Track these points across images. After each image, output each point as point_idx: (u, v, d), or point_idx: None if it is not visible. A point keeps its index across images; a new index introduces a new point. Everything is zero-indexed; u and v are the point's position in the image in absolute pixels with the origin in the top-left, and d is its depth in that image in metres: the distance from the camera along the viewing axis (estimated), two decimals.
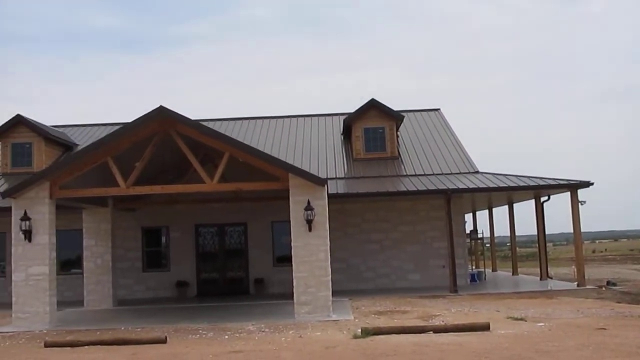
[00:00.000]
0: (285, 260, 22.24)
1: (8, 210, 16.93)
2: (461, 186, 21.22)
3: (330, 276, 16.28)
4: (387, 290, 22.18)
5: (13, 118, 24.77)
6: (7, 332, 15.31)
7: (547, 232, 24.82)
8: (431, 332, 12.93)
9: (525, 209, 27.46)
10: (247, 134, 27.57)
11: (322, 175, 22.78)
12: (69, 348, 12.77)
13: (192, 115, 20.66)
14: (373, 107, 25.13)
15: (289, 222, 16.32)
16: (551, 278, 24.54)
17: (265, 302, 20.19)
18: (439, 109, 29.89)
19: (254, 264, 23.73)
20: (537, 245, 25.85)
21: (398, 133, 26.12)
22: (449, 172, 23.78)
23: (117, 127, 24.27)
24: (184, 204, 22.59)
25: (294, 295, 16.13)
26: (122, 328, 15.31)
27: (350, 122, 25.30)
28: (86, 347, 12.81)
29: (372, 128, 25.12)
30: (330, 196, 17.59)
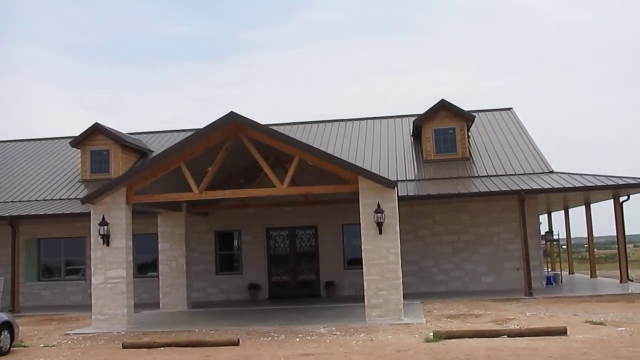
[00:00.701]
0: (355, 262, 22.23)
1: (87, 215, 17.50)
2: (535, 186, 20.69)
3: (401, 279, 16.16)
4: (460, 293, 21.85)
5: (91, 126, 25.63)
6: (87, 333, 15.84)
7: (627, 232, 23.93)
8: (505, 336, 12.65)
9: (603, 209, 26.50)
10: (317, 137, 27.69)
11: (392, 177, 22.66)
12: (146, 349, 13.11)
13: (263, 120, 21.01)
14: (443, 107, 24.82)
15: (359, 224, 16.28)
16: (632, 281, 23.65)
17: (336, 304, 20.20)
18: (511, 108, 29.27)
19: (324, 267, 23.79)
20: (616, 246, 24.94)
21: (469, 133, 25.71)
22: (522, 172, 23.23)
23: (189, 133, 24.84)
24: (255, 208, 22.87)
25: (365, 298, 16.07)
26: (197, 330, 15.60)
27: (420, 123, 25.06)
28: (162, 348, 13.12)
29: (442, 129, 24.81)
30: (400, 198, 17.48)
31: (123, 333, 15.74)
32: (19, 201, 24.42)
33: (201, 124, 19.82)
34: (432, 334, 12.91)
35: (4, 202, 24.50)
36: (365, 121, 29.32)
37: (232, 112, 16.22)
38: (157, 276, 21.69)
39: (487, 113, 28.89)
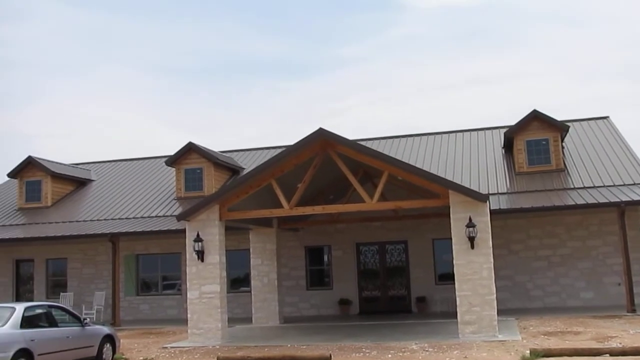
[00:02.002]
0: (447, 278, 21.91)
1: (182, 232, 18.03)
2: (636, 198, 19.77)
3: (495, 295, 15.78)
4: (557, 310, 21.11)
5: (185, 146, 26.45)
6: (183, 347, 16.28)
7: None
8: (607, 355, 12.12)
9: None
10: (405, 151, 27.54)
11: (483, 190, 22.22)
12: None
13: (351, 135, 21.09)
14: (535, 118, 24.18)
15: (450, 239, 16.04)
16: None
17: (428, 320, 19.94)
18: (607, 117, 28.18)
19: (415, 282, 23.55)
20: None
21: (563, 144, 24.92)
22: (622, 183, 22.25)
23: (278, 150, 25.28)
24: (345, 223, 22.94)
25: (458, 314, 15.79)
26: (289, 345, 15.75)
27: (511, 134, 24.50)
28: None
29: (534, 140, 24.15)
30: (492, 212, 17.11)
31: (217, 347, 16.08)
32: (119, 219, 25.45)
33: (289, 141, 20.13)
34: (528, 351, 12.53)
35: (104, 219, 25.59)
36: (454, 134, 28.94)
37: (320, 129, 16.38)
38: (249, 291, 22.06)
39: (581, 122, 27.93)
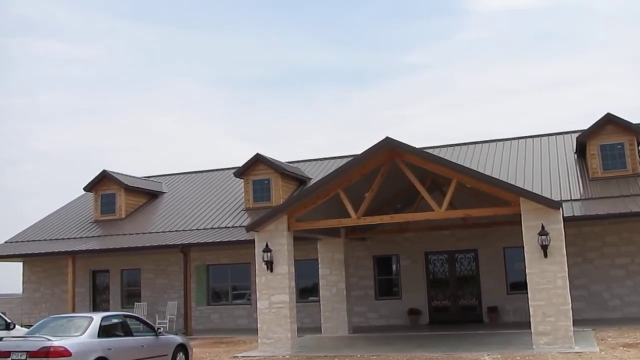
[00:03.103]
0: (519, 287, 21.43)
1: (252, 242, 18.24)
2: None
3: (570, 305, 15.31)
4: (637, 320, 20.31)
5: (253, 157, 26.77)
6: (254, 356, 16.43)
7: None
8: None
9: None
10: (474, 158, 27.10)
11: (555, 197, 21.64)
12: None
13: (417, 143, 20.94)
14: (609, 122, 23.40)
15: (522, 247, 15.68)
16: None
17: (500, 331, 19.51)
18: None
19: (486, 292, 23.11)
20: None
21: (639, 148, 24.05)
22: None
23: (344, 160, 25.29)
24: (413, 232, 22.75)
25: (531, 324, 15.39)
26: (358, 355, 15.67)
27: (584, 139, 23.79)
28: None
29: (609, 144, 23.37)
30: (565, 219, 16.64)
31: (287, 357, 16.16)
32: (190, 230, 25.94)
33: (355, 150, 20.11)
34: None
35: (176, 230, 26.14)
36: (523, 140, 28.31)
37: (387, 138, 16.31)
38: (318, 301, 22.11)
39: None
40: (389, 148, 16.47)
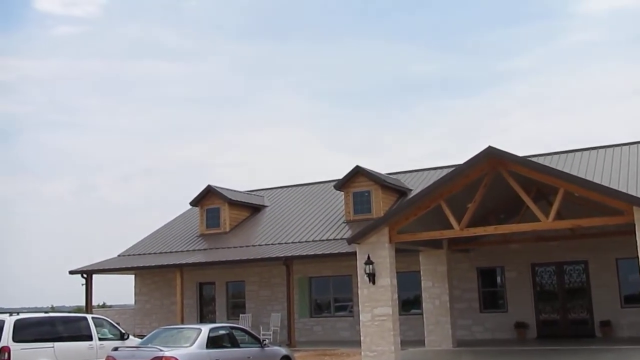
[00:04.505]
0: (635, 300, 20.51)
1: (353, 254, 18.28)
2: None
3: None
4: None
5: (353, 169, 26.84)
6: None
7: None
8: None
9: None
10: (581, 166, 26.04)
11: None
12: None
13: (519, 151, 20.36)
14: None
15: (636, 258, 14.94)
16: None
17: (615, 346, 18.62)
18: None
19: (598, 305, 22.11)
20: None
21: None
22: None
23: (445, 171, 24.91)
24: (518, 243, 22.12)
25: None
26: None
27: None
28: None
29: None
30: None
31: None
32: (292, 242, 26.29)
33: (455, 160, 19.80)
34: None
35: (278, 243, 26.57)
36: (634, 145, 26.97)
37: (489, 147, 15.98)
38: (421, 313, 21.84)
39: None
40: (491, 157, 16.13)
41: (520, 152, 19.45)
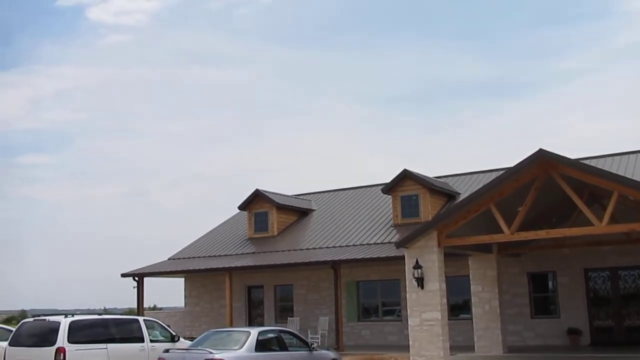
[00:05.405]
0: None
1: (401, 258, 18.18)
2: None
3: None
4: None
5: (400, 173, 26.68)
6: None
7: None
8: None
9: None
10: (637, 169, 25.39)
11: None
12: None
13: (572, 154, 19.97)
14: None
15: None
16: None
17: None
18: None
19: None
20: None
21: None
22: None
23: (494, 174, 24.57)
24: (570, 248, 21.68)
25: None
26: None
27: None
28: None
29: None
30: None
31: None
32: (339, 246, 26.30)
33: (504, 163, 19.52)
34: None
35: (326, 247, 26.60)
36: None
37: (540, 150, 15.72)
38: (470, 318, 21.58)
39: None
40: (542, 160, 15.86)
41: (572, 155, 19.09)
